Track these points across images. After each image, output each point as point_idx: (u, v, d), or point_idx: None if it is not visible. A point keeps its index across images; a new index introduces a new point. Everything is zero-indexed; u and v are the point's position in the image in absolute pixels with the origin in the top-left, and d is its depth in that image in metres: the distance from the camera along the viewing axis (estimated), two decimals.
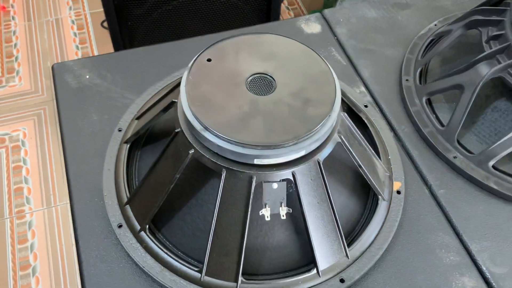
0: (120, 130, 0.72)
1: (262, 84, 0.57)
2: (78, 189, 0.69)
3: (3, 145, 1.47)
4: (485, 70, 0.70)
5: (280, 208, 0.56)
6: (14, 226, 1.32)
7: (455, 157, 0.73)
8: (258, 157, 0.53)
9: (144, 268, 0.60)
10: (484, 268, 0.64)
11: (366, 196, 0.68)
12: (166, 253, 0.61)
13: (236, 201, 0.56)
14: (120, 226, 0.63)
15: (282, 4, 2.09)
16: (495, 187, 0.70)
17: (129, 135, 0.70)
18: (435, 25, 0.90)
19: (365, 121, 0.73)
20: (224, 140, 0.53)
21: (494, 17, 0.74)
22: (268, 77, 0.58)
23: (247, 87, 0.57)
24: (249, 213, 0.55)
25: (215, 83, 0.57)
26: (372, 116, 0.76)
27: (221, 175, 0.55)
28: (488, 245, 0.66)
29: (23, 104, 1.50)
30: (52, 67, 0.84)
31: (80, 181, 0.69)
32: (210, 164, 0.55)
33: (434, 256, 0.65)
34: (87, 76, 0.82)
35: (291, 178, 0.55)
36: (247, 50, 0.60)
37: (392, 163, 0.71)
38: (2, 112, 1.56)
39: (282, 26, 0.92)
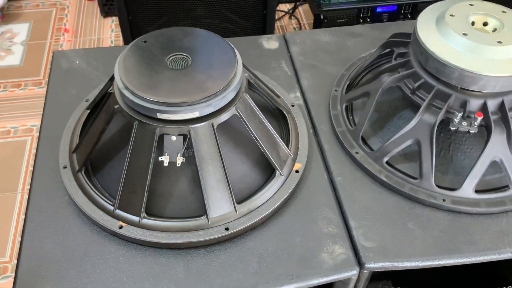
0: (87, 101, 0.90)
1: (180, 62, 0.73)
2: (45, 141, 0.86)
3: (31, 134, 1.71)
4: (385, 79, 0.83)
5: (177, 157, 0.70)
6: (24, 201, 1.52)
7: (357, 153, 0.84)
8: (160, 111, 0.68)
9: (74, 200, 0.75)
10: (356, 241, 0.75)
11: (271, 173, 0.81)
12: (93, 191, 0.76)
13: (143, 148, 0.71)
14: (65, 167, 0.79)
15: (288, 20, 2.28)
16: (385, 179, 0.81)
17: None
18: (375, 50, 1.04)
19: (285, 113, 0.87)
20: (136, 97, 0.69)
21: (404, 39, 0.87)
22: (186, 57, 0.74)
23: (167, 63, 0.73)
24: (152, 158, 0.70)
25: (143, 58, 0.74)
26: (296, 114, 0.90)
27: (133, 126, 0.70)
28: (365, 224, 0.77)
29: None
30: (53, 53, 1.04)
31: (49, 135, 0.87)
32: (127, 117, 0.71)
33: (315, 226, 0.76)
34: (77, 62, 1.01)
35: (187, 134, 0.70)
36: (178, 37, 0.77)
37: (300, 149, 0.84)
38: (36, 107, 1.82)
39: (245, 41, 1.08)
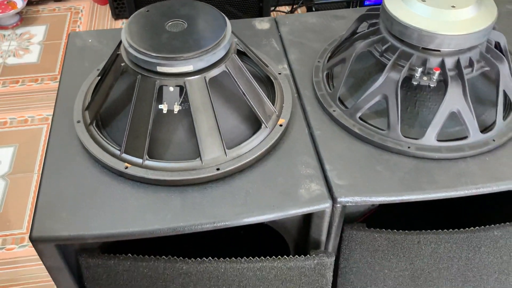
0: (98, 70, 1.02)
1: (177, 26, 0.86)
2: (61, 103, 0.98)
3: (46, 122, 1.85)
4: (358, 46, 0.94)
5: (174, 106, 0.82)
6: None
7: (334, 111, 0.95)
8: (159, 65, 0.80)
9: (86, 147, 0.87)
10: (330, 180, 0.85)
11: (257, 127, 0.92)
12: (103, 139, 0.88)
13: (146, 98, 0.83)
14: (78, 122, 0.91)
15: None
16: (358, 131, 0.92)
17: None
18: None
19: (272, 79, 0.99)
20: (139, 53, 0.81)
21: (375, 12, 0.99)
22: (182, 22, 0.86)
23: (166, 27, 0.85)
24: (153, 107, 0.82)
25: (146, 24, 0.86)
26: (282, 81, 1.01)
27: (137, 79, 0.83)
28: (339, 168, 0.87)
29: None
30: (69, 34, 1.17)
31: (64, 98, 0.99)
32: (132, 72, 0.83)
33: (295, 169, 0.87)
34: (90, 40, 1.14)
35: (183, 85, 0.82)
36: (176, 7, 0.90)
37: (284, 108, 0.95)
38: (51, 99, 1.95)
39: (239, 23, 1.20)
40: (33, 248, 1.47)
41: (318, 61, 1.07)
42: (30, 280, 1.40)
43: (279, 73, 1.03)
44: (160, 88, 0.82)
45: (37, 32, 2.32)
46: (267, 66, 1.03)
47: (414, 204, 1.27)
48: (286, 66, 1.08)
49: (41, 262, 1.47)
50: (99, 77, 0.99)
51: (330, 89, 0.99)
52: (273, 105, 0.94)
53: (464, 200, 1.27)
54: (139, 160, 0.84)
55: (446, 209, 1.29)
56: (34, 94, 1.98)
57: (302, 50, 1.12)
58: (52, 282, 1.41)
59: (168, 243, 1.07)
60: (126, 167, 0.84)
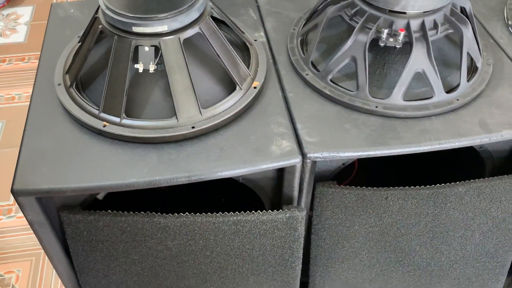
0: (79, 37, 1.05)
1: None
2: (43, 69, 1.01)
3: None
4: (329, 11, 0.97)
5: (150, 65, 0.85)
6: None
7: (307, 74, 0.99)
8: (135, 25, 0.83)
9: (67, 107, 0.91)
10: (300, 138, 0.89)
11: (232, 89, 0.96)
12: (82, 100, 0.91)
13: (122, 59, 0.86)
14: (59, 84, 0.95)
15: None
16: (328, 93, 0.95)
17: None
18: None
19: (248, 44, 1.02)
20: (116, 14, 0.84)
21: None
22: None
23: None
24: (129, 67, 0.85)
25: None
26: (258, 47, 1.04)
27: (114, 40, 0.86)
28: (309, 126, 0.91)
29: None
30: (51, 5, 1.20)
31: (46, 64, 1.02)
32: (109, 33, 0.86)
33: (268, 128, 0.91)
34: (72, 11, 1.17)
35: (158, 45, 0.85)
36: None
37: (259, 72, 0.98)
38: None
39: None
40: (21, 219, 1.51)
41: (294, 29, 1.10)
42: (17, 249, 1.43)
43: (255, 40, 1.06)
44: (136, 49, 0.85)
45: (24, 12, 2.33)
46: (244, 33, 1.06)
47: (390, 168, 1.32)
48: (262, 34, 1.12)
49: (28, 232, 1.51)
50: (79, 43, 1.01)
51: (304, 54, 1.03)
52: (248, 69, 0.98)
53: (436, 162, 1.32)
54: (117, 119, 0.88)
55: (422, 174, 1.34)
56: (21, 73, 2.00)
57: (279, 19, 1.16)
58: (40, 251, 1.45)
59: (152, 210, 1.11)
60: (104, 126, 0.87)
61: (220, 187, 1.34)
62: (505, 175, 0.98)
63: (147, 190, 1.25)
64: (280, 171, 0.93)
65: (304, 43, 1.07)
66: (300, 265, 1.01)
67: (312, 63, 1.01)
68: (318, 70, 1.00)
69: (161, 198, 1.32)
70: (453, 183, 0.96)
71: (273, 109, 0.95)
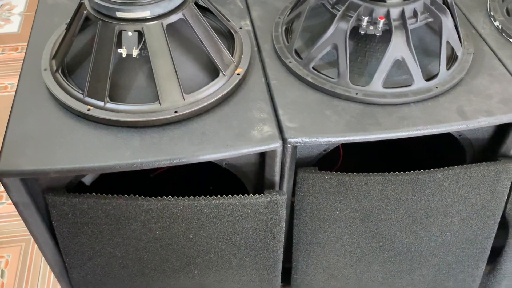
0: (66, 24, 1.07)
1: None
2: (31, 54, 1.03)
3: None
4: (312, 0, 0.99)
5: (133, 50, 0.87)
6: None
7: (290, 62, 1.01)
8: (118, 10, 0.85)
9: (52, 92, 0.92)
10: (281, 123, 0.91)
11: (216, 76, 0.97)
12: (68, 84, 0.93)
13: (106, 43, 0.87)
14: (45, 69, 0.96)
15: None
16: (310, 80, 0.97)
17: None
18: None
19: (232, 32, 1.04)
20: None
21: None
22: None
23: None
24: (113, 51, 0.87)
25: None
26: (243, 35, 1.06)
27: (98, 25, 0.87)
28: (291, 112, 0.93)
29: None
30: None
31: (34, 50, 1.04)
32: (93, 18, 0.88)
33: (250, 113, 0.93)
34: None
35: (141, 31, 0.87)
36: None
37: (242, 59, 1.00)
38: None
39: None
40: (11, 205, 1.53)
41: (279, 18, 1.12)
42: (7, 235, 1.45)
43: (241, 28, 1.08)
44: (120, 34, 0.87)
45: (18, 3, 2.34)
46: (229, 21, 1.07)
47: (376, 159, 1.33)
48: (248, 22, 1.13)
49: (18, 218, 1.52)
50: (66, 29, 1.03)
51: (288, 42, 1.05)
52: (232, 56, 1.00)
53: (420, 152, 1.34)
54: (101, 103, 0.89)
55: (406, 164, 1.36)
56: (14, 62, 2.01)
57: (265, 8, 1.17)
58: (29, 237, 1.46)
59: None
60: (89, 109, 0.89)
61: (209, 176, 1.36)
62: (483, 163, 1.00)
63: (136, 178, 1.28)
64: (262, 156, 0.94)
65: (288, 31, 1.09)
66: (282, 249, 1.03)
67: (296, 51, 1.03)
68: (301, 58, 1.02)
69: (150, 187, 1.34)
70: (432, 169, 0.98)
71: (255, 95, 0.96)
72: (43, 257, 1.06)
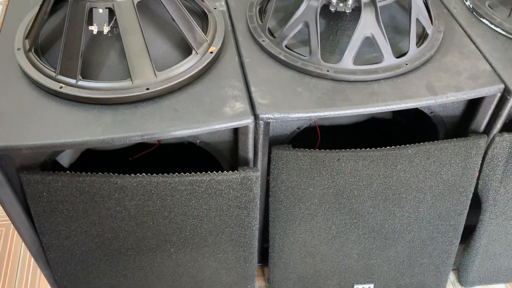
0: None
1: None
2: (5, 35, 1.03)
3: None
4: None
5: (104, 27, 0.87)
6: None
7: (263, 41, 1.02)
8: None
9: (25, 70, 0.92)
10: (253, 100, 0.92)
11: (189, 54, 0.98)
12: (41, 63, 0.93)
13: (77, 21, 0.88)
14: (18, 49, 0.96)
15: None
16: (283, 58, 0.98)
17: None
18: None
19: (206, 11, 1.05)
20: None
21: None
22: None
23: None
24: (84, 29, 0.87)
25: None
26: (217, 15, 1.07)
27: (69, 3, 0.88)
28: (263, 89, 0.94)
29: None
30: None
31: (9, 30, 1.03)
32: None
33: (222, 90, 0.94)
34: None
35: (112, 8, 0.87)
36: None
37: (216, 38, 1.01)
38: None
39: None
40: None
41: None
42: None
43: (215, 8, 1.08)
44: (91, 11, 0.87)
45: None
46: (203, 1, 1.08)
47: (354, 141, 1.35)
48: (223, 3, 1.14)
49: None
50: (39, 8, 1.03)
51: (262, 22, 1.06)
52: (206, 35, 1.00)
53: (397, 133, 1.36)
54: (73, 81, 0.90)
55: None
56: None
57: None
58: (9, 222, 1.46)
59: None
60: (61, 87, 0.89)
61: (188, 160, 1.37)
62: (454, 139, 1.01)
63: (115, 162, 1.28)
64: (235, 134, 0.95)
65: (262, 11, 1.10)
66: (257, 226, 1.04)
67: (269, 30, 1.04)
68: (272, 35, 1.03)
69: (130, 172, 1.34)
70: (403, 145, 1.00)
71: (229, 73, 0.97)
72: (23, 242, 1.06)
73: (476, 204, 1.16)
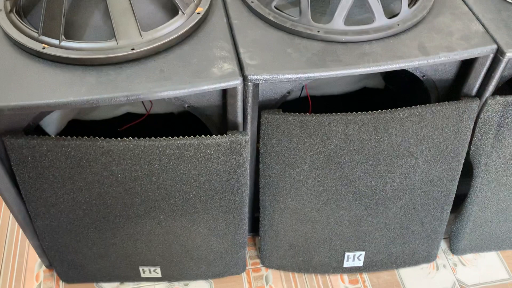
0: None
1: None
2: None
3: None
4: None
5: None
6: None
7: (252, 2, 0.99)
8: None
9: (6, 31, 0.89)
10: (242, 61, 0.90)
11: (176, 15, 0.95)
12: (23, 24, 0.90)
13: None
14: (0, 11, 0.93)
15: None
16: (272, 19, 0.96)
17: None
18: None
19: None
20: None
21: None
22: None
23: None
24: None
25: None
26: None
27: None
28: (252, 51, 0.92)
29: None
30: None
31: None
32: None
33: (210, 51, 0.91)
34: None
35: None
36: None
37: None
38: None
39: None
40: None
41: None
42: None
43: None
44: None
45: None
46: None
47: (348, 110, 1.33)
48: None
49: None
50: None
51: None
52: None
53: (393, 100, 1.34)
54: (56, 41, 0.87)
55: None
56: None
57: None
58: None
59: None
60: (44, 48, 0.87)
61: (178, 132, 1.35)
62: (446, 102, 1.00)
63: (104, 135, 1.26)
64: (224, 97, 0.94)
65: None
66: (247, 192, 1.03)
67: None
68: None
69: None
70: (394, 109, 0.98)
71: (216, 34, 0.95)
72: (10, 211, 1.05)
73: (468, 173, 1.15)
